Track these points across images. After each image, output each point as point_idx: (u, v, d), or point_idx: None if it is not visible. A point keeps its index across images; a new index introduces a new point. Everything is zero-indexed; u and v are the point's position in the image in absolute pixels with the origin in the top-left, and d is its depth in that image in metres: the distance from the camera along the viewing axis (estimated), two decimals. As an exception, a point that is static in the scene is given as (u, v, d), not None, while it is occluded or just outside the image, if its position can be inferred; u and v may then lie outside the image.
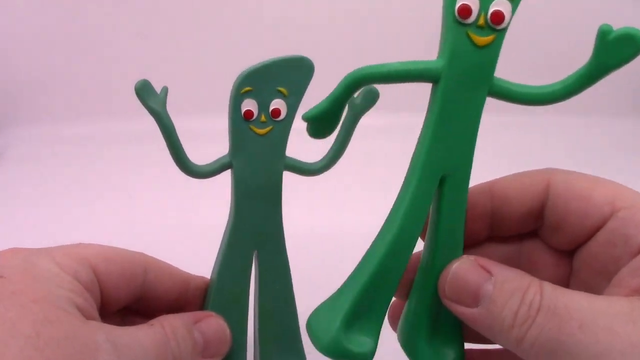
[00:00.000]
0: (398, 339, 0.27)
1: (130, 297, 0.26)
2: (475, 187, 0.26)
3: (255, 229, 0.29)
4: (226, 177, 0.29)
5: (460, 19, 0.22)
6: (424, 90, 0.24)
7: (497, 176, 0.26)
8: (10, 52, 0.74)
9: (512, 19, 0.22)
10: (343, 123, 0.28)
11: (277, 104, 0.27)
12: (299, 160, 0.29)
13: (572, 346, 0.19)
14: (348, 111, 0.28)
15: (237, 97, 0.26)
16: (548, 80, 0.23)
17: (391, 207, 0.25)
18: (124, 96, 0.72)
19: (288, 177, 0.29)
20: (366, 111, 0.28)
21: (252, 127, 0.27)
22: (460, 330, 0.25)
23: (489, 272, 0.22)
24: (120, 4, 0.72)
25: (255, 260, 0.30)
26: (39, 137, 0.73)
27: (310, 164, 0.30)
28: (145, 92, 0.26)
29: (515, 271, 0.22)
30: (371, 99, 0.28)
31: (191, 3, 0.73)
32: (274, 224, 0.29)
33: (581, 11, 0.73)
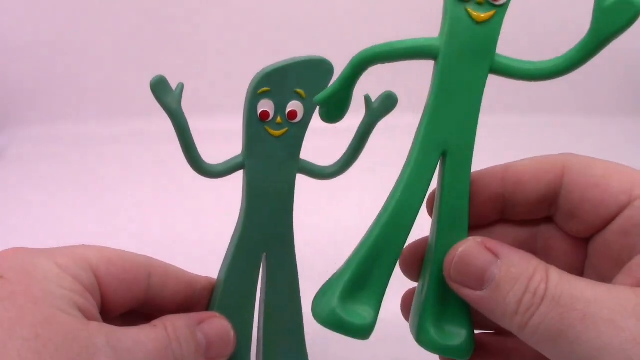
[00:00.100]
0: (409, 324, 0.27)
1: (133, 302, 0.26)
2: (487, 169, 0.26)
3: (266, 231, 0.28)
4: (236, 176, 0.28)
5: None
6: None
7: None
8: (11, 52, 0.74)
9: None
10: (359, 128, 0.28)
11: (294, 105, 0.27)
12: (313, 164, 0.29)
13: (574, 338, 0.20)
14: (365, 116, 0.28)
15: (253, 97, 0.26)
16: (553, 56, 0.23)
17: None
18: (125, 96, 0.73)
19: (300, 180, 0.29)
20: (383, 117, 0.28)
21: (267, 128, 0.27)
22: (469, 313, 0.25)
23: (496, 254, 0.22)
24: (121, 3, 0.72)
25: (264, 263, 0.29)
26: (39, 137, 0.73)
27: (324, 167, 0.29)
28: (160, 89, 0.25)
29: (522, 254, 0.22)
30: (390, 105, 0.28)
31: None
32: (284, 227, 0.29)
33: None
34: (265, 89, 0.26)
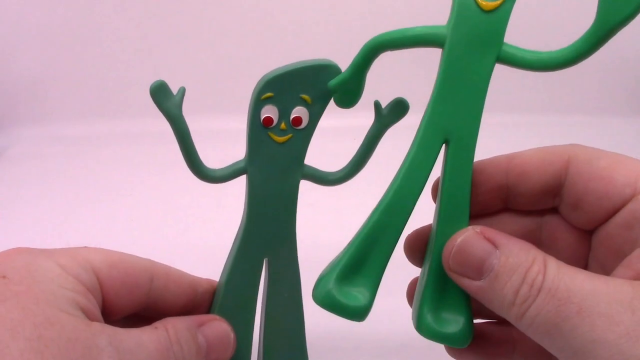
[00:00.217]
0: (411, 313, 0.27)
1: (134, 306, 0.26)
2: (491, 159, 0.26)
3: (268, 236, 0.28)
4: (240, 179, 0.28)
5: None
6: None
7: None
8: (11, 52, 0.74)
9: None
10: (367, 134, 0.28)
11: (299, 112, 0.26)
12: (318, 170, 0.28)
13: (569, 330, 0.20)
14: (374, 122, 0.27)
15: (257, 103, 0.26)
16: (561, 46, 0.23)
17: None
18: (126, 96, 0.72)
19: (302, 185, 0.28)
20: (393, 123, 0.27)
21: (270, 134, 0.26)
22: (468, 301, 0.25)
23: (494, 244, 0.22)
24: (122, 3, 0.72)
25: (266, 268, 0.29)
26: (39, 137, 0.73)
27: (330, 173, 0.29)
28: (160, 94, 0.25)
29: (521, 245, 0.22)
30: (400, 111, 0.27)
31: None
32: (287, 232, 0.29)
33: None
34: (268, 94, 0.25)
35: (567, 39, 0.23)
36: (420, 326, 0.25)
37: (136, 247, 0.27)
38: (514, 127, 0.73)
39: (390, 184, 0.25)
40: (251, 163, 0.27)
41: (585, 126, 0.74)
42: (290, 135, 0.27)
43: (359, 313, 0.24)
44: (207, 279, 0.29)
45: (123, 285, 0.25)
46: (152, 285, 0.26)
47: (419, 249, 0.27)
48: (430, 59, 0.25)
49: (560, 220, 0.26)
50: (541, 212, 0.26)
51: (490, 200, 0.26)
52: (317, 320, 0.25)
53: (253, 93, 0.26)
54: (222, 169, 0.27)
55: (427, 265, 0.26)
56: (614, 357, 0.19)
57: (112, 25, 0.73)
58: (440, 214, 0.24)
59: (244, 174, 0.27)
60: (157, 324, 0.24)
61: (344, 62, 0.26)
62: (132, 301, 0.25)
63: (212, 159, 0.28)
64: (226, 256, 0.29)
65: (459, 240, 0.23)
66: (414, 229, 0.27)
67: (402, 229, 0.25)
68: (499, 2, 0.22)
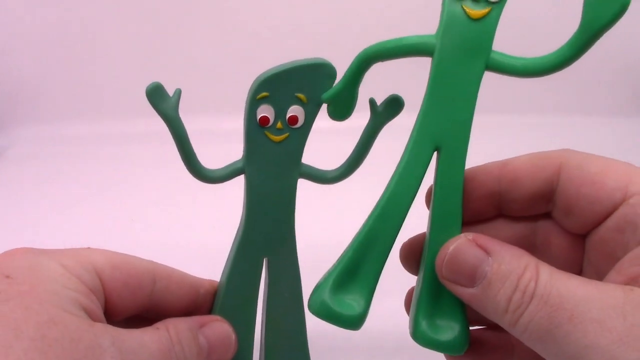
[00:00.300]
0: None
1: (136, 307, 0.26)
2: (483, 166, 0.26)
3: (267, 235, 0.28)
4: (239, 179, 0.28)
5: None
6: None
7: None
8: (11, 52, 0.74)
9: None
10: (363, 132, 0.28)
11: (295, 110, 0.26)
12: (315, 168, 0.29)
13: (562, 337, 0.20)
14: (370, 120, 0.27)
15: (252, 103, 0.26)
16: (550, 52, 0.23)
17: None
18: (125, 96, 0.73)
19: (301, 184, 0.28)
20: (389, 121, 0.27)
21: (267, 133, 0.26)
22: (463, 308, 0.25)
23: (487, 251, 0.22)
24: (122, 3, 0.72)
25: (266, 268, 0.29)
26: (39, 137, 0.73)
27: (327, 171, 0.29)
28: (156, 96, 0.25)
29: (514, 251, 0.22)
30: (396, 108, 0.27)
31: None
32: (286, 231, 0.29)
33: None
34: (264, 94, 0.25)
35: (553, 45, 0.23)
36: (416, 334, 0.25)
37: (136, 247, 0.27)
38: (514, 128, 0.72)
39: (383, 192, 0.25)
40: (249, 163, 0.27)
41: (585, 126, 0.74)
42: (286, 135, 0.27)
43: (354, 322, 0.25)
44: (209, 280, 0.29)
45: (125, 287, 0.25)
46: (155, 286, 0.26)
47: (414, 258, 0.27)
48: (426, 58, 0.25)
49: (553, 225, 0.26)
50: (535, 218, 0.27)
51: (483, 207, 0.26)
52: (318, 319, 0.25)
53: (249, 93, 0.26)
54: (219, 169, 0.27)
55: (421, 273, 0.26)
56: None
57: (112, 26, 0.73)
58: (433, 222, 0.25)
59: (241, 173, 0.27)
60: (159, 324, 0.24)
61: (341, 62, 0.26)
62: (135, 302, 0.25)
63: (210, 159, 0.28)
64: (226, 256, 0.29)
65: (451, 248, 0.23)
66: (409, 236, 0.27)
67: (395, 237, 0.25)
68: (486, 10, 0.23)
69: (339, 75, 0.26)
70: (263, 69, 0.26)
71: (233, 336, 0.27)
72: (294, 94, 0.26)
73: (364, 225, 0.25)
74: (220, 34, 0.74)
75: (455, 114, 0.24)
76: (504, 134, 0.68)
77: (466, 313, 0.25)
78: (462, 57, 0.23)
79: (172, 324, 0.25)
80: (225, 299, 0.28)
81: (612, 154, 0.24)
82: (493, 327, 0.28)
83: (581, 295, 0.20)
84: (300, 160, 0.28)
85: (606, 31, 0.21)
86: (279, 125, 0.26)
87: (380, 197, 0.25)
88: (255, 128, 0.26)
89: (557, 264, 0.22)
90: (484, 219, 0.27)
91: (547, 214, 0.26)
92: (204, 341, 0.25)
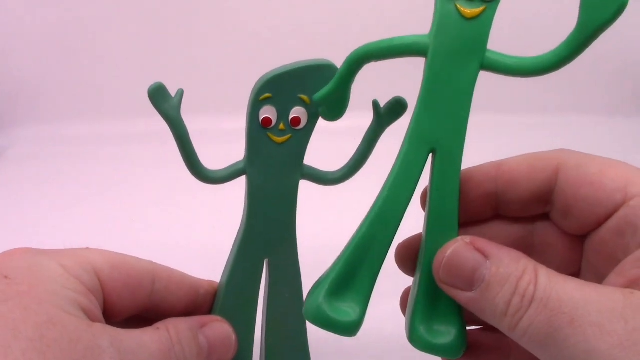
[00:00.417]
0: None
1: (136, 307, 0.26)
2: (479, 167, 0.26)
3: (268, 236, 0.28)
4: (241, 179, 0.28)
5: None
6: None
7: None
8: (11, 52, 0.74)
9: None
10: (366, 134, 0.28)
11: (298, 112, 0.26)
12: (317, 169, 0.29)
13: (561, 341, 0.19)
14: (372, 122, 0.27)
15: (255, 104, 0.26)
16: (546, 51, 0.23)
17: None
18: (125, 96, 0.72)
19: (302, 184, 0.28)
20: (391, 123, 0.27)
21: (269, 134, 0.26)
22: (460, 311, 0.25)
23: (485, 254, 0.22)
24: (122, 3, 0.72)
25: (267, 268, 0.29)
26: (39, 137, 0.73)
27: (329, 173, 0.29)
28: (158, 96, 0.25)
29: (512, 254, 0.22)
30: (399, 110, 0.27)
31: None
32: (287, 233, 0.29)
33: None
34: (267, 95, 0.25)
35: (550, 44, 0.23)
36: (413, 338, 0.25)
37: (136, 247, 0.27)
38: (514, 128, 0.72)
39: (378, 195, 0.24)
40: (251, 164, 0.27)
41: (585, 126, 0.74)
42: (289, 136, 0.27)
43: (349, 329, 0.24)
44: (208, 281, 0.29)
45: (125, 287, 0.25)
46: (154, 287, 0.26)
47: (409, 259, 0.27)
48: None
49: (552, 227, 0.26)
50: (532, 219, 0.26)
51: (480, 208, 0.26)
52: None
53: (251, 94, 0.26)
54: (221, 170, 0.27)
55: (417, 276, 0.25)
56: None
57: (112, 26, 0.73)
58: (429, 224, 0.24)
59: (243, 174, 0.27)
60: (159, 324, 0.24)
61: (341, 62, 0.25)
62: (134, 303, 0.25)
63: (211, 160, 0.28)
64: (226, 257, 0.29)
65: (448, 251, 0.23)
66: (404, 237, 0.27)
67: (391, 241, 0.24)
68: (480, 9, 0.22)
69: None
70: (264, 68, 0.26)
71: (233, 336, 0.27)
72: (296, 95, 0.26)
73: (359, 230, 0.24)
74: (220, 34, 0.74)
75: (451, 115, 0.23)
76: (501, 133, 0.68)
77: (463, 316, 0.25)
78: (457, 57, 0.23)
79: (172, 324, 0.25)
80: (226, 300, 0.28)
81: (610, 154, 0.24)
82: (490, 328, 0.28)
83: (580, 299, 0.20)
84: (302, 161, 0.28)
85: (604, 31, 0.21)
86: (281, 126, 0.26)
87: (375, 201, 0.24)
88: (257, 129, 0.26)
89: (555, 266, 0.22)
90: (481, 220, 0.27)
91: (544, 215, 0.26)
92: (204, 341, 0.25)
